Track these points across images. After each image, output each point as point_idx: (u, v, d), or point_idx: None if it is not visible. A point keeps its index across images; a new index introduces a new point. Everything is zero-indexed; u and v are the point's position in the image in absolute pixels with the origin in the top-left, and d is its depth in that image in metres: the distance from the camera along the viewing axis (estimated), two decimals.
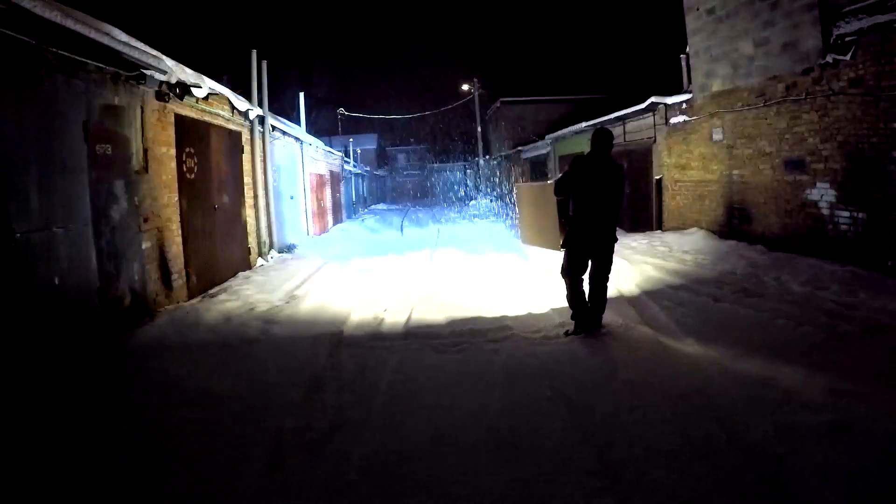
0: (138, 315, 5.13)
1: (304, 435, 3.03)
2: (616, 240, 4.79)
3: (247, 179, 9.12)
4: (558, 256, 4.96)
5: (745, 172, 8.54)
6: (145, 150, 5.58)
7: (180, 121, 6.46)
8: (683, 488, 2.37)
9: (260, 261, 9.16)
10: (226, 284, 7.18)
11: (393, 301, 6.40)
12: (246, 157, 9.12)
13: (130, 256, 5.21)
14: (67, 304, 4.21)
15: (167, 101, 6.07)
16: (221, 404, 3.39)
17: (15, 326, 3.61)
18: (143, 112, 5.56)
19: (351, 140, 35.16)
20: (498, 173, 32.84)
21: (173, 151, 6.26)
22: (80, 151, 4.50)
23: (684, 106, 10.35)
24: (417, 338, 4.80)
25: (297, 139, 13.39)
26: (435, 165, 57.25)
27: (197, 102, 6.92)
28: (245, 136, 9.13)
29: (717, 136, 9.23)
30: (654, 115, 11.47)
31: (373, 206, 33.90)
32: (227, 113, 8.13)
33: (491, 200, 29.69)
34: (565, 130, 17.75)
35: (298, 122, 16.95)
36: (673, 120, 10.73)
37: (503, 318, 5.36)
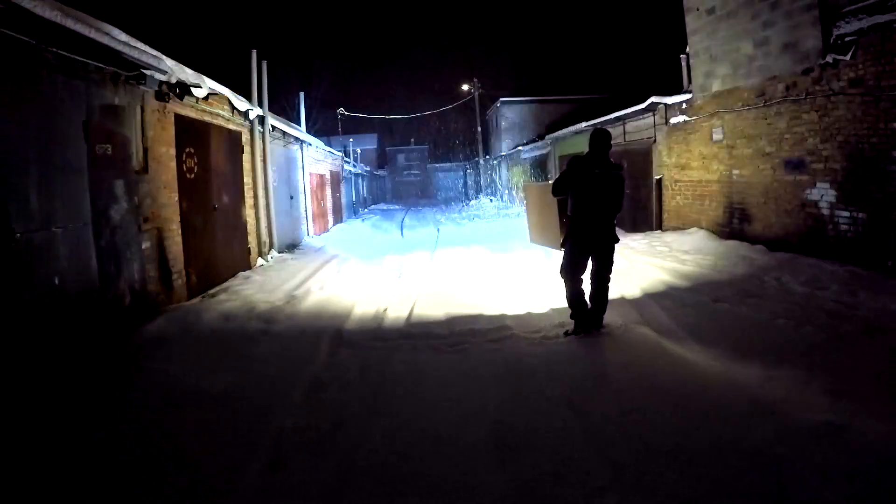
0: (138, 315, 5.12)
1: (305, 434, 3.03)
2: (617, 240, 4.79)
3: (247, 179, 9.12)
4: (559, 255, 4.97)
5: (745, 172, 8.54)
6: (145, 150, 5.58)
7: (180, 121, 6.46)
8: (683, 488, 2.37)
9: (260, 261, 9.16)
10: (226, 284, 7.18)
11: (393, 301, 6.40)
12: (246, 157, 9.12)
13: (130, 256, 5.21)
14: (67, 304, 4.20)
15: (167, 101, 6.07)
16: (222, 404, 3.39)
17: (15, 326, 3.61)
18: (143, 112, 5.56)
19: (351, 140, 35.17)
20: (498, 173, 32.85)
21: (173, 151, 6.26)
22: (80, 151, 4.50)
23: (684, 106, 10.35)
24: (418, 338, 4.80)
25: (297, 139, 13.39)
26: (435, 165, 57.28)
27: (197, 102, 6.92)
28: (245, 136, 9.13)
29: (717, 135, 9.23)
30: (654, 115, 11.47)
31: (373, 207, 33.91)
32: (227, 113, 8.13)
33: (491, 200, 29.73)
34: (565, 130, 17.75)
35: (298, 123, 16.96)
36: (673, 120, 10.73)
37: (503, 317, 5.36)
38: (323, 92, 37.66)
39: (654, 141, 11.52)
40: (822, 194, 6.93)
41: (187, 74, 6.28)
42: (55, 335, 4.00)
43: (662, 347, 4.22)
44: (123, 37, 4.90)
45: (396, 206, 34.83)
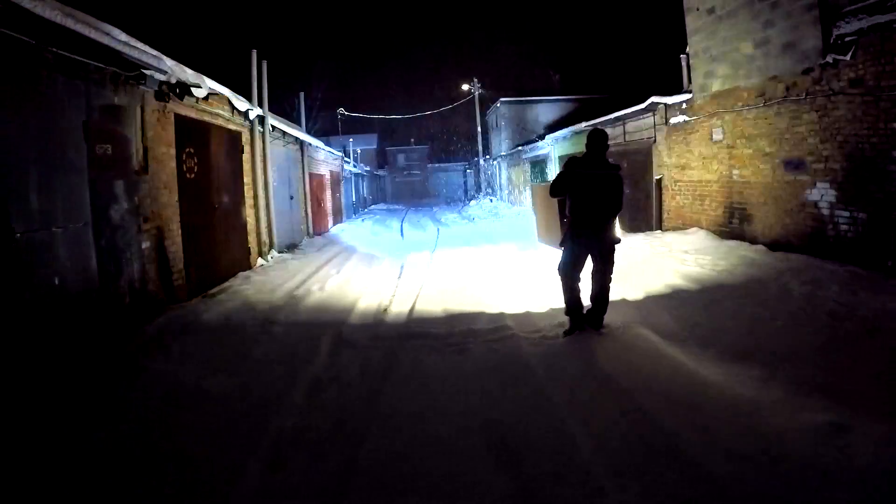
0: (138, 315, 5.12)
1: (305, 435, 3.03)
2: (618, 240, 4.80)
3: (247, 179, 9.12)
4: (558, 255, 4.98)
5: (745, 172, 8.53)
6: (145, 150, 5.58)
7: (180, 121, 6.46)
8: (684, 488, 2.37)
9: (260, 261, 9.16)
10: (226, 284, 7.19)
11: (393, 301, 6.40)
12: (246, 157, 9.12)
13: (130, 256, 5.21)
14: (67, 304, 4.20)
15: (167, 101, 6.07)
16: (222, 404, 3.39)
17: (15, 326, 3.60)
18: (143, 112, 5.56)
19: (351, 140, 35.18)
20: (498, 173, 32.85)
21: (173, 151, 6.26)
22: (80, 151, 4.50)
23: (684, 106, 10.34)
24: (418, 337, 4.80)
25: (297, 139, 13.39)
26: (435, 165, 57.27)
27: (197, 102, 6.91)
28: (245, 136, 9.13)
29: (717, 136, 9.22)
30: (654, 115, 11.46)
31: (373, 207, 33.91)
32: (227, 113, 8.13)
33: (491, 200, 29.72)
34: (565, 130, 17.74)
35: (299, 123, 16.96)
36: (673, 120, 10.73)
37: (503, 317, 5.36)
38: (323, 92, 37.64)
39: (654, 141, 11.52)
40: (822, 194, 6.93)
41: (187, 74, 6.28)
42: (55, 335, 4.00)
43: (663, 348, 4.22)
44: (123, 37, 4.90)
45: (396, 206, 34.83)
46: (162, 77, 5.76)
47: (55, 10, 3.83)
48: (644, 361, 3.92)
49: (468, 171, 47.59)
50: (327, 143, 21.29)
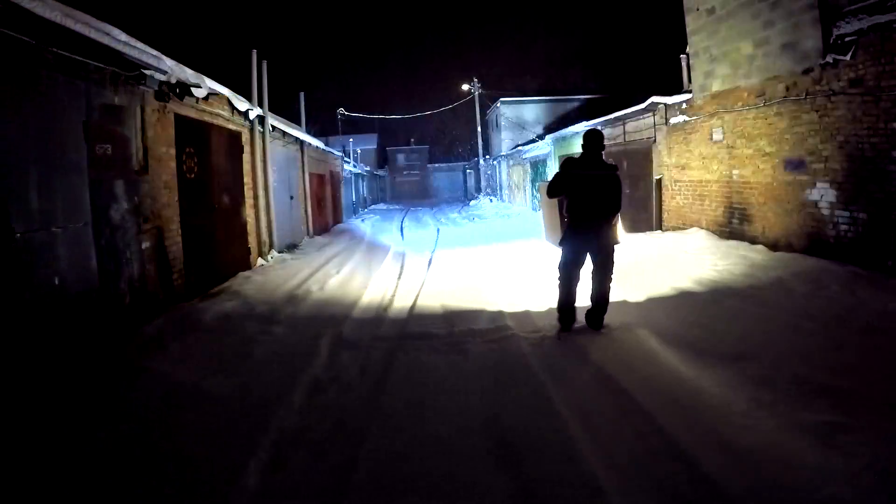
0: (138, 315, 5.12)
1: (305, 435, 3.03)
2: (617, 241, 4.80)
3: (247, 179, 9.12)
4: (556, 256, 4.99)
5: (745, 172, 8.53)
6: (145, 150, 5.58)
7: (180, 121, 6.46)
8: (684, 489, 2.37)
9: (260, 261, 9.16)
10: (226, 284, 7.18)
11: (393, 301, 6.40)
12: (246, 157, 9.12)
13: (130, 256, 5.21)
14: (67, 304, 4.20)
15: (167, 101, 6.07)
16: (222, 404, 3.39)
17: (15, 326, 3.60)
18: (143, 112, 5.56)
19: (351, 140, 35.18)
20: (498, 173, 32.85)
21: (173, 151, 6.26)
22: (80, 151, 4.50)
23: (684, 106, 10.34)
24: (418, 338, 4.80)
25: (297, 139, 13.39)
26: (435, 165, 57.29)
27: (197, 102, 6.92)
28: (245, 136, 9.13)
29: (717, 135, 9.23)
30: (654, 115, 11.46)
31: (373, 207, 33.91)
32: (227, 113, 8.13)
33: (491, 200, 29.73)
34: (565, 130, 17.75)
35: (299, 123, 16.95)
36: (673, 120, 10.73)
37: (503, 317, 5.36)
38: (323, 92, 37.64)
39: (654, 141, 11.52)
40: (822, 194, 6.93)
41: (187, 74, 6.28)
42: (55, 335, 4.00)
43: (662, 349, 4.22)
44: (123, 37, 4.90)
45: (396, 207, 34.82)
46: (162, 77, 5.76)
47: (55, 10, 3.83)
48: (644, 362, 3.92)
49: (468, 171, 47.60)
50: (327, 143, 21.30)
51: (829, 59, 6.62)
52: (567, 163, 4.80)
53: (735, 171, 8.79)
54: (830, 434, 2.71)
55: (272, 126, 10.38)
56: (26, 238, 3.77)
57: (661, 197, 11.36)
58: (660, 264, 7.70)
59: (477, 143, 35.07)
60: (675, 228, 10.62)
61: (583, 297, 4.88)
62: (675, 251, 8.56)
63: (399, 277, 8.07)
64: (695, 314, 5.17)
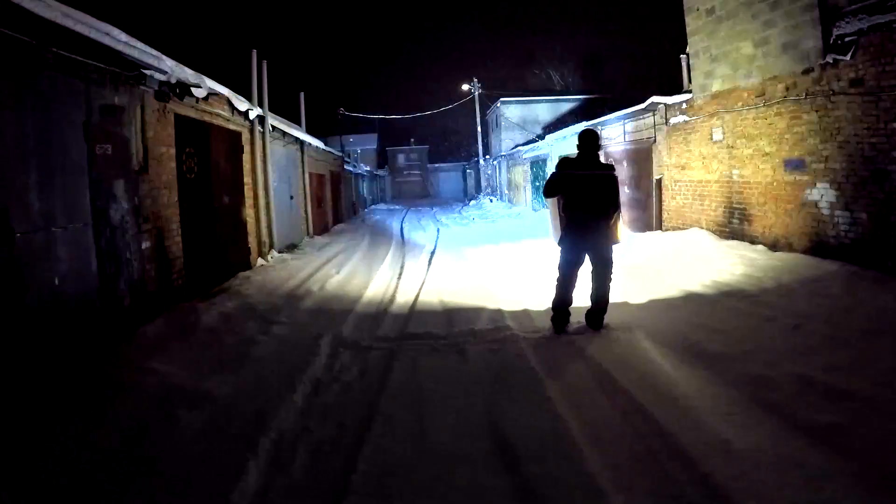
0: (138, 315, 5.12)
1: (305, 435, 3.03)
2: (616, 241, 4.80)
3: (247, 179, 9.11)
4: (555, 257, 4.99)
5: (745, 172, 8.53)
6: (145, 150, 5.58)
7: (180, 121, 6.46)
8: (685, 490, 2.37)
9: (260, 261, 9.16)
10: (226, 284, 7.18)
11: (393, 301, 6.40)
12: (246, 157, 9.12)
13: (130, 256, 5.20)
14: (67, 305, 4.20)
15: (167, 101, 6.06)
16: (221, 405, 3.39)
17: (15, 327, 3.60)
18: (143, 112, 5.55)
19: (351, 140, 35.18)
20: (498, 173, 32.85)
21: (173, 151, 6.26)
22: (80, 151, 4.50)
23: (684, 106, 10.34)
24: (418, 338, 4.80)
25: (297, 139, 13.38)
26: (435, 165, 57.29)
27: (197, 102, 6.91)
28: (245, 136, 9.13)
29: (717, 135, 9.22)
30: (654, 115, 11.46)
31: (373, 207, 33.90)
32: (227, 113, 8.13)
33: (491, 200, 29.72)
34: (565, 130, 17.76)
35: (299, 122, 16.94)
36: (673, 120, 10.72)
37: (503, 317, 5.36)
38: (323, 92, 37.61)
39: (654, 141, 11.52)
40: (822, 194, 6.92)
41: (187, 74, 6.27)
42: (55, 335, 4.00)
43: (662, 349, 4.22)
44: (124, 37, 4.89)
45: (396, 206, 34.80)
46: (162, 77, 5.75)
47: (55, 10, 3.83)
48: (644, 362, 3.92)
49: (468, 171, 47.60)
50: (327, 143, 21.26)
51: (829, 59, 6.62)
52: (562, 163, 4.82)
53: (735, 171, 8.78)
54: (830, 434, 2.71)
55: (272, 126, 10.37)
56: (27, 238, 3.77)
57: (661, 197, 11.36)
58: (660, 264, 7.70)
59: (477, 143, 35.06)
60: (675, 228, 10.62)
61: (584, 298, 4.88)
62: (675, 251, 8.57)
63: (399, 277, 8.07)
64: (695, 314, 5.17)
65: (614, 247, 4.86)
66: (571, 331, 4.76)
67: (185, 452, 2.80)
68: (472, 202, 32.05)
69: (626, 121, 12.79)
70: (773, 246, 7.69)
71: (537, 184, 20.83)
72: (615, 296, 5.09)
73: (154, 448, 2.84)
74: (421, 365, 4.13)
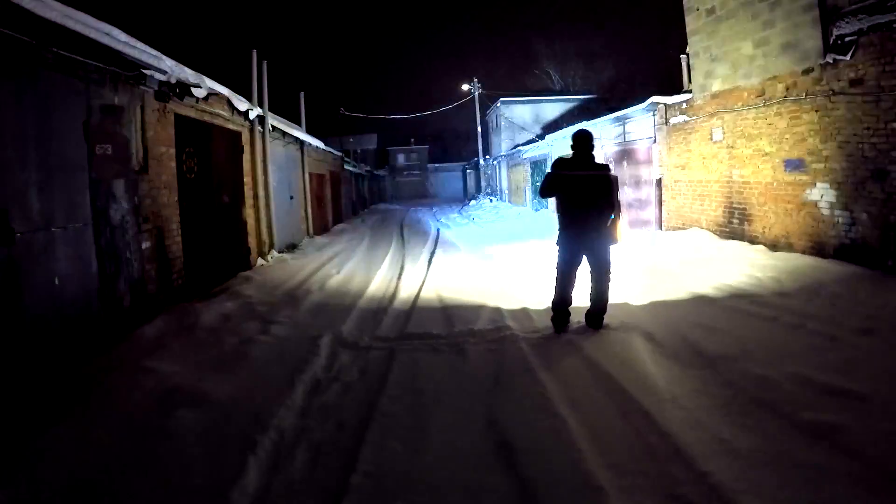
0: (138, 315, 5.13)
1: (305, 435, 3.03)
2: (615, 241, 4.80)
3: (247, 179, 9.12)
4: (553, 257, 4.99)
5: (745, 172, 8.53)
6: (145, 150, 5.58)
7: (180, 121, 6.46)
8: (685, 489, 2.37)
9: (260, 261, 9.16)
10: (226, 284, 7.19)
11: (393, 301, 6.40)
12: (246, 157, 9.12)
13: (130, 256, 5.21)
14: (67, 305, 4.20)
15: (167, 101, 6.07)
16: (221, 405, 3.39)
17: (15, 327, 3.60)
18: (143, 112, 5.56)
19: (351, 140, 35.17)
20: (498, 173, 32.85)
21: (173, 151, 6.26)
22: (80, 151, 4.50)
23: (684, 106, 10.34)
24: (417, 338, 4.80)
25: (297, 139, 13.39)
26: (435, 165, 57.27)
27: (197, 102, 6.91)
28: (245, 136, 9.13)
29: (717, 135, 9.22)
30: (654, 115, 11.46)
31: (373, 207, 33.90)
32: (227, 113, 8.13)
33: (491, 201, 29.71)
34: (565, 130, 17.75)
35: (299, 122, 16.93)
36: (673, 120, 10.73)
37: (502, 317, 5.35)
38: (323, 92, 37.62)
39: (654, 141, 11.52)
40: (823, 194, 6.93)
41: (187, 74, 6.28)
42: (55, 335, 4.00)
43: (662, 348, 4.22)
44: (123, 37, 4.90)
45: (396, 206, 34.81)
46: (162, 77, 5.75)
47: (55, 11, 3.83)
48: (644, 361, 3.92)
49: (468, 171, 47.59)
50: (327, 143, 21.26)
51: (829, 59, 6.62)
52: (557, 163, 4.82)
53: (735, 171, 8.79)
54: (830, 434, 2.71)
55: (272, 126, 10.38)
56: (27, 238, 3.77)
57: (661, 197, 11.36)
58: (660, 264, 7.70)
59: (477, 143, 35.06)
60: (675, 228, 10.62)
61: (584, 298, 4.88)
62: (675, 251, 8.57)
63: (399, 277, 8.07)
64: (695, 314, 5.17)
65: (614, 247, 4.86)
66: (571, 330, 4.76)
67: (184, 452, 2.80)
68: (473, 202, 32.04)
69: (626, 121, 12.79)
70: (773, 246, 7.70)
71: (537, 184, 20.82)
72: (615, 296, 5.08)
73: (154, 448, 2.84)
74: (421, 365, 4.13)
